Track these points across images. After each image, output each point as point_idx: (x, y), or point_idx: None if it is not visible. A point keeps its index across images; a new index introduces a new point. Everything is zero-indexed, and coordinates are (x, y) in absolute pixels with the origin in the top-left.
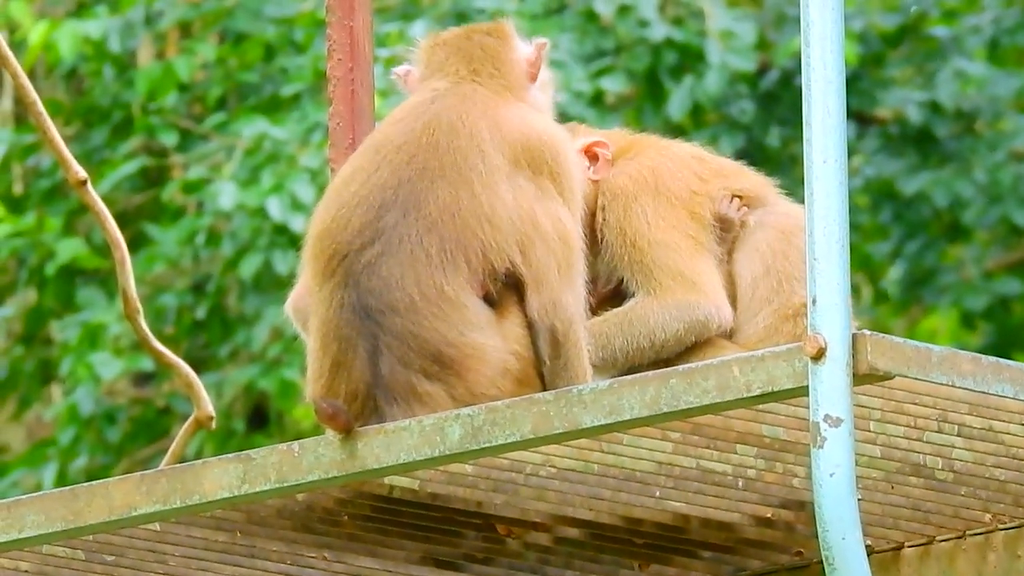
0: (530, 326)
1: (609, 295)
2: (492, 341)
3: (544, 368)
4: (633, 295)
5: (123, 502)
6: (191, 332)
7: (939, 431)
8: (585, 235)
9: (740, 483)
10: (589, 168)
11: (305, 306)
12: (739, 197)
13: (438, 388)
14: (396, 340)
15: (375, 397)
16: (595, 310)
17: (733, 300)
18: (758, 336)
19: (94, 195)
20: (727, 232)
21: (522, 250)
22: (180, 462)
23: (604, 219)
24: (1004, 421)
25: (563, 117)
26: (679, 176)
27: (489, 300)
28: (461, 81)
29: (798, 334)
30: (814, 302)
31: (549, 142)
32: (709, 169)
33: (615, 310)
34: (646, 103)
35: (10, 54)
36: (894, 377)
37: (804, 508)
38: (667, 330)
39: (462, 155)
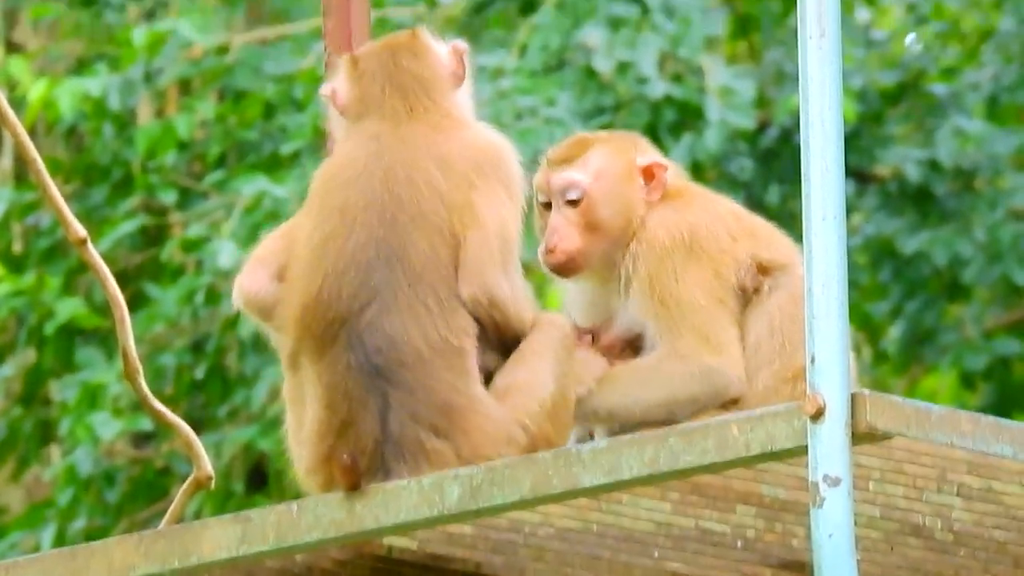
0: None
1: (626, 343)
2: (498, 404)
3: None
4: (653, 346)
5: (122, 563)
6: (190, 392)
7: (938, 491)
8: (614, 264)
9: (739, 543)
10: (643, 188)
11: (266, 297)
12: (761, 265)
13: (445, 446)
14: (406, 394)
15: (383, 454)
16: (614, 354)
17: None
18: (756, 398)
19: (94, 254)
20: (743, 295)
21: (460, 238)
22: (179, 522)
23: (634, 267)
24: (1003, 481)
25: None
26: (713, 234)
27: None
28: (400, 123)
29: (796, 396)
30: (813, 361)
31: (492, 153)
32: (743, 229)
33: (641, 362)
34: None
35: (10, 112)
36: (893, 437)
37: (804, 569)
38: (688, 392)
39: (427, 204)
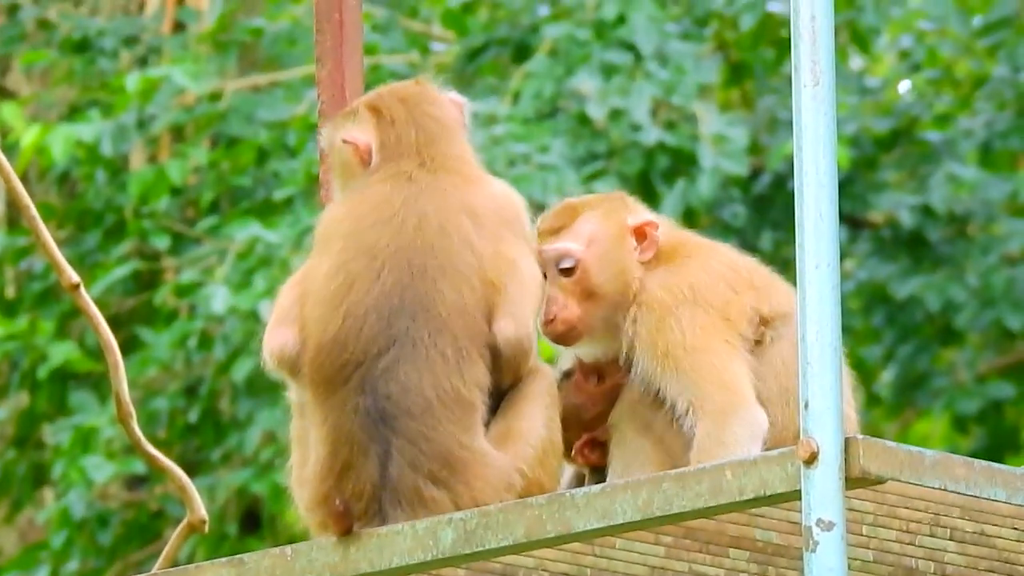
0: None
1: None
2: (499, 452)
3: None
4: (675, 404)
5: None
6: (184, 435)
7: (932, 535)
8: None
9: None
10: (636, 249)
11: (293, 352)
12: (763, 317)
13: (443, 495)
14: (408, 444)
15: (380, 500)
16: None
17: None
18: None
19: (87, 299)
20: (747, 345)
21: (502, 284)
22: (173, 566)
23: (635, 331)
24: (997, 525)
25: None
26: (715, 290)
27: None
28: (430, 170)
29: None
30: (806, 406)
31: (515, 208)
32: (742, 281)
33: (695, 458)
34: None
35: (3, 158)
36: (887, 481)
37: None
38: (743, 444)
39: (456, 253)
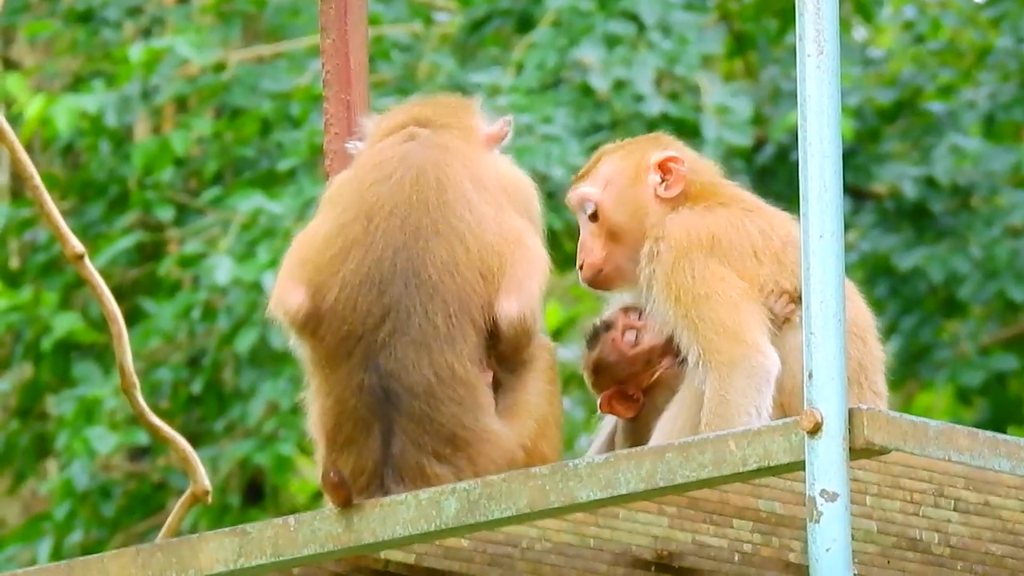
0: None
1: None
2: (503, 428)
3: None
4: (686, 352)
5: None
6: (187, 406)
7: (935, 506)
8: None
9: (736, 557)
10: (661, 184)
11: (305, 313)
12: (790, 294)
13: (447, 471)
14: (412, 423)
15: (382, 475)
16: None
17: None
18: None
19: (91, 269)
20: (774, 320)
21: (504, 259)
22: (176, 536)
23: (651, 269)
24: (1000, 496)
25: (558, 191)
26: (736, 246)
27: (496, 387)
28: (429, 131)
29: None
30: (810, 376)
31: (525, 188)
32: (769, 251)
33: (704, 418)
34: None
35: (7, 128)
36: (891, 451)
37: None
38: (747, 397)
39: (451, 210)
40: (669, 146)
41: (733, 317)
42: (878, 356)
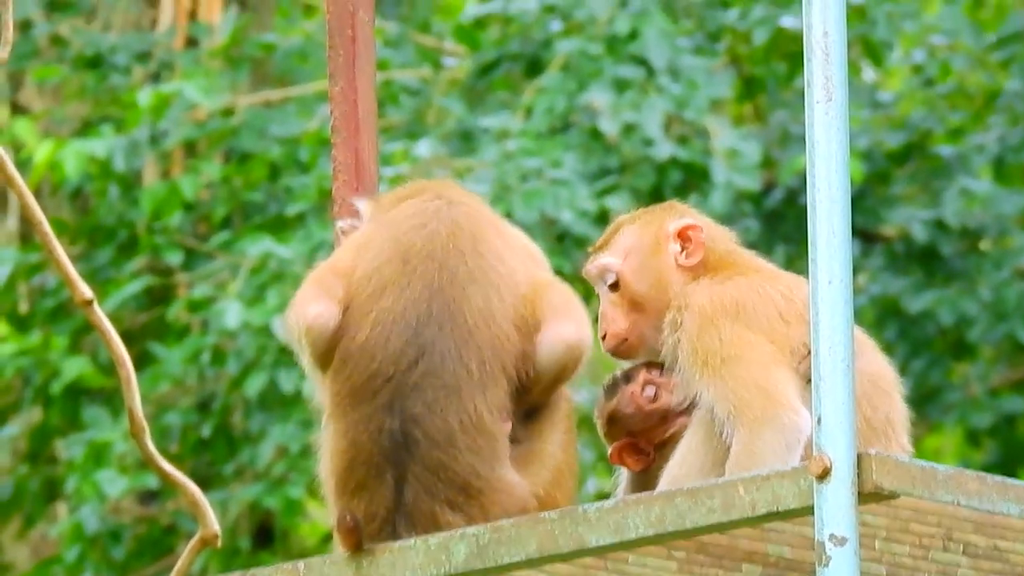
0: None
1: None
2: (517, 478)
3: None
4: (717, 419)
5: None
6: (196, 450)
7: (944, 550)
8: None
9: None
10: (682, 252)
11: (328, 326)
12: None
13: (460, 518)
14: (426, 471)
15: (394, 522)
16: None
17: None
18: None
19: (100, 314)
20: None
21: (537, 305)
22: None
23: (677, 339)
24: (1009, 540)
25: (567, 235)
26: (763, 312)
27: (514, 440)
28: (457, 196)
29: None
30: (819, 422)
31: (539, 252)
32: (795, 314)
33: (728, 470)
34: None
35: (16, 173)
36: (899, 496)
37: None
38: (776, 454)
39: (485, 260)
40: (686, 214)
41: (764, 376)
42: (904, 413)
